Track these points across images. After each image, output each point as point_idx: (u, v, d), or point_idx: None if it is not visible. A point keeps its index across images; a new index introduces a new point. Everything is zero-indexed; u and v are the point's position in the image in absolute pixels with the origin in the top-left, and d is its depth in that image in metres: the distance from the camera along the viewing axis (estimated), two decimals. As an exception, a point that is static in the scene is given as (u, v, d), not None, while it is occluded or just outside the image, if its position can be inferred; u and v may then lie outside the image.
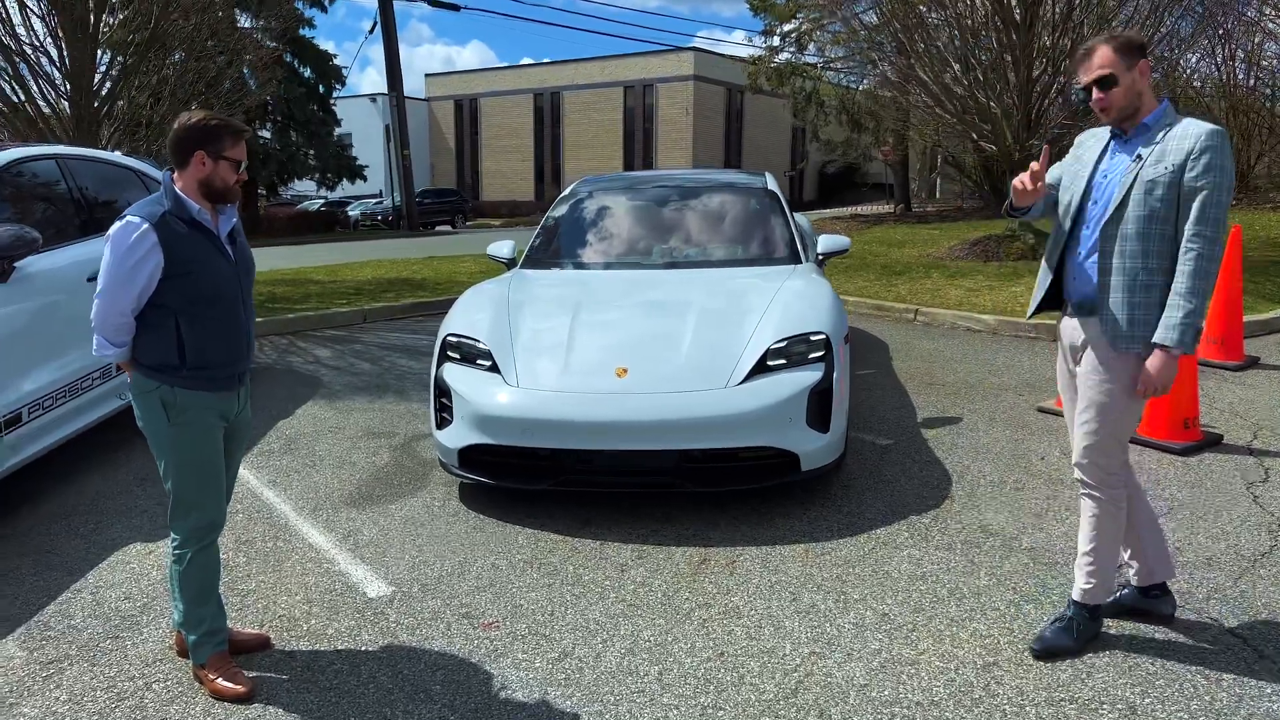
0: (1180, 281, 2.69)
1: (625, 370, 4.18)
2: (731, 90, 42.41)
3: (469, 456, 4.27)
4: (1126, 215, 2.79)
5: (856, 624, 3.26)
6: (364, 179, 30.94)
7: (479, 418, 4.17)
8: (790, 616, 3.32)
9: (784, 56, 22.30)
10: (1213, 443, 4.97)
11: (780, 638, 3.19)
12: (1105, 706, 2.76)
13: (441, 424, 4.40)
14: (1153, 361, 2.78)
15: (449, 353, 4.54)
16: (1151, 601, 3.23)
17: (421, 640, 3.23)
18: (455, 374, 4.40)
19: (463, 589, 3.60)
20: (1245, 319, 6.94)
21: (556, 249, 5.82)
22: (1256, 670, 2.90)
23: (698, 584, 3.58)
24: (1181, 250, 2.72)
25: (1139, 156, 2.80)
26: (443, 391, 4.41)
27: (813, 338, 4.31)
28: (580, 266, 5.58)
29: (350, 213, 35.09)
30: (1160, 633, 3.14)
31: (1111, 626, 3.18)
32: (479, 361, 4.41)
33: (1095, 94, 2.82)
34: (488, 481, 4.24)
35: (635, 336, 4.41)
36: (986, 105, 11.89)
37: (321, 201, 36.54)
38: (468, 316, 4.74)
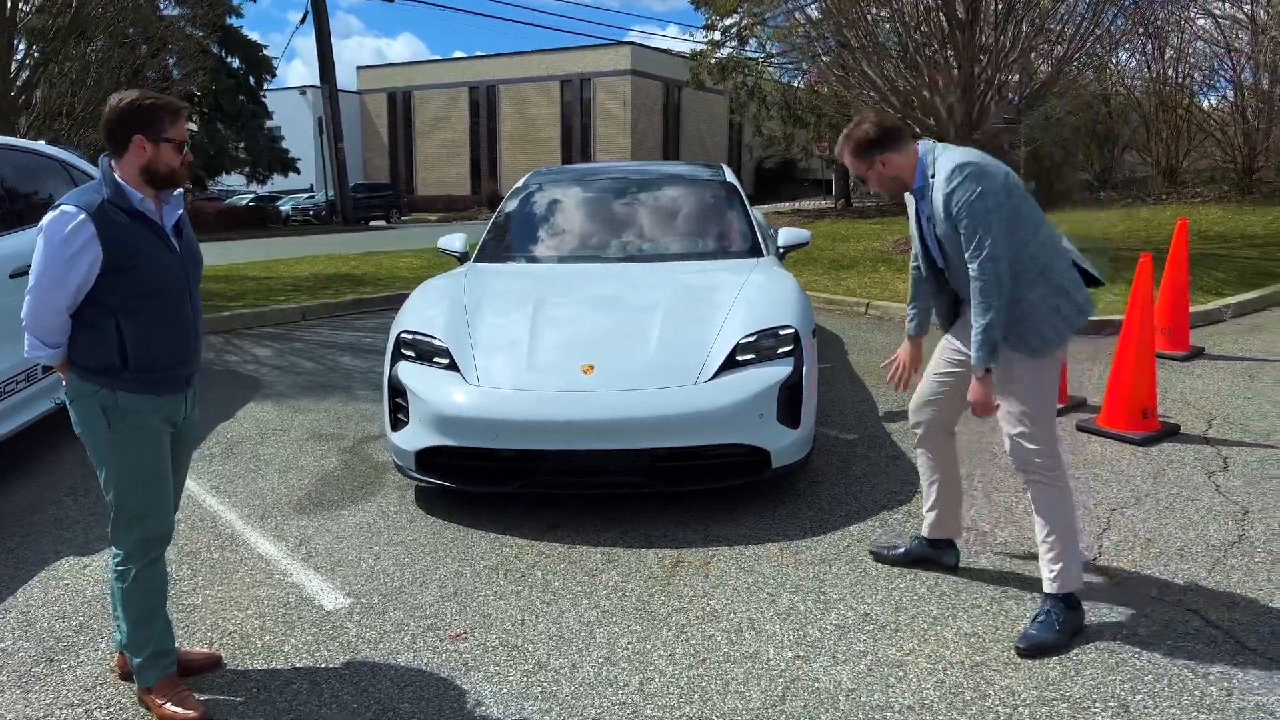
0: (972, 308, 2.92)
1: (591, 367, 4.03)
2: (669, 85, 42.43)
3: (427, 459, 4.09)
4: (951, 262, 3.04)
5: (839, 625, 3.17)
6: (296, 171, 30.12)
7: (438, 418, 3.99)
8: (771, 619, 3.22)
9: (726, 51, 22.30)
10: (1170, 433, 5.01)
11: (762, 642, 3.08)
12: (1098, 704, 2.71)
13: (397, 425, 4.21)
14: (973, 382, 3.02)
15: (403, 351, 4.34)
16: (937, 552, 3.51)
17: (386, 655, 3.05)
18: (411, 373, 4.21)
19: (426, 599, 3.42)
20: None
21: (511, 243, 5.64)
22: (1242, 662, 2.89)
23: (672, 587, 3.46)
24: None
25: (929, 217, 3.04)
26: (398, 391, 4.21)
27: (781, 332, 4.22)
28: (537, 260, 5.41)
29: (281, 208, 34.18)
30: (1144, 626, 3.11)
31: (1093, 618, 3.15)
32: (436, 360, 4.23)
33: (866, 174, 3.11)
34: (448, 485, 4.06)
35: (600, 332, 4.27)
36: (930, 100, 11.99)
37: (251, 197, 35.52)
38: (422, 313, 4.54)
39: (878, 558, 3.62)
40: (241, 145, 28.18)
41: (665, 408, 3.87)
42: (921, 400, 3.43)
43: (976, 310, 2.89)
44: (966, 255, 2.90)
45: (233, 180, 32.71)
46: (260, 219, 30.26)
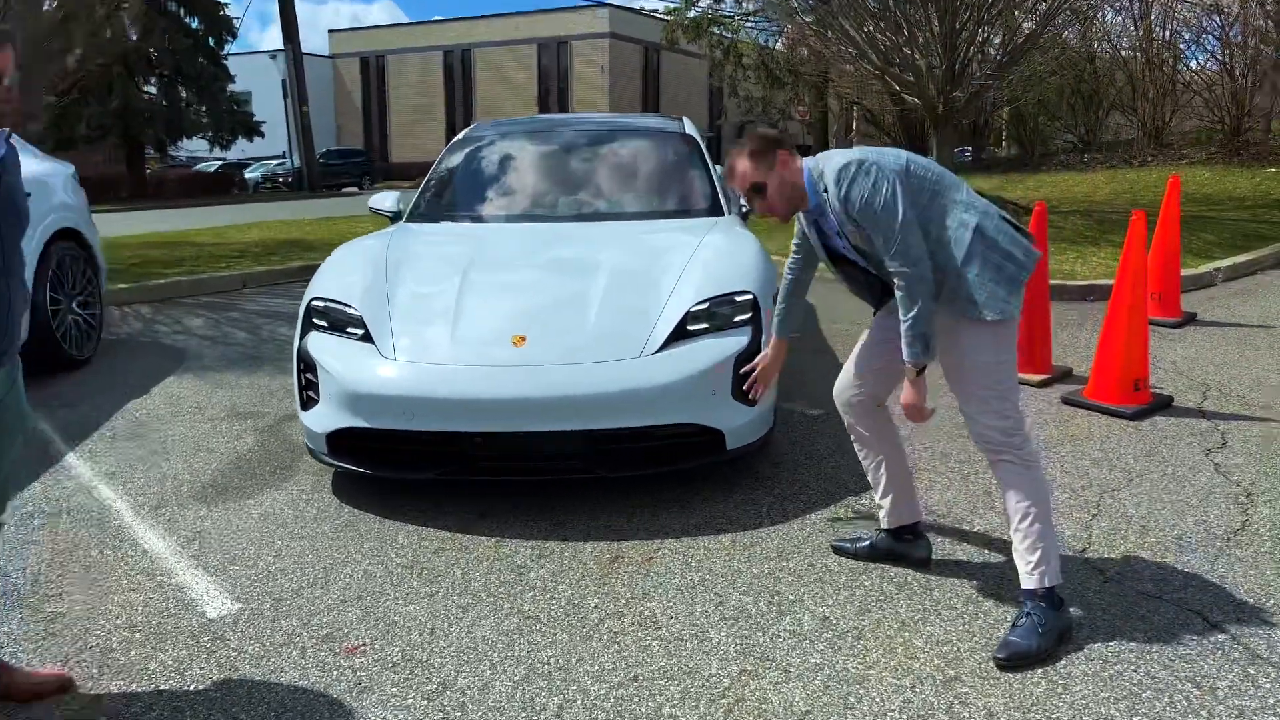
0: (899, 304, 2.66)
1: (523, 339, 3.58)
2: (648, 48, 41.59)
3: (340, 442, 3.64)
4: (879, 264, 2.73)
5: (793, 632, 2.77)
6: (261, 135, 29.18)
7: (349, 396, 3.54)
8: (716, 625, 2.81)
9: (702, 6, 21.62)
10: (1163, 405, 4.63)
11: (705, 653, 2.67)
12: (1089, 729, 2.32)
13: (307, 404, 3.76)
14: (905, 383, 2.74)
15: (315, 320, 3.88)
16: (904, 545, 3.14)
17: (268, 672, 2.62)
18: (322, 345, 3.75)
19: (325, 603, 2.99)
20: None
21: (448, 201, 5.15)
22: (1254, 675, 2.50)
23: (608, 587, 3.05)
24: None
25: (838, 233, 2.78)
26: (307, 366, 3.75)
27: (738, 298, 3.78)
28: (475, 220, 4.93)
29: (250, 175, 33.28)
30: (1140, 631, 2.72)
31: (1082, 620, 2.76)
32: (349, 330, 3.76)
33: (756, 204, 2.81)
34: (362, 471, 3.62)
35: (535, 300, 3.81)
36: (910, 57, 11.50)
37: (219, 163, 34.59)
38: (338, 278, 4.07)
39: (840, 551, 3.22)
40: (204, 109, 27.25)
41: (605, 384, 3.43)
42: (846, 381, 3.07)
43: (903, 306, 2.61)
44: (882, 252, 2.64)
45: (197, 146, 31.74)
46: (225, 186, 29.44)
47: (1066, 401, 4.75)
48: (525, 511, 3.59)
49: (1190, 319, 6.34)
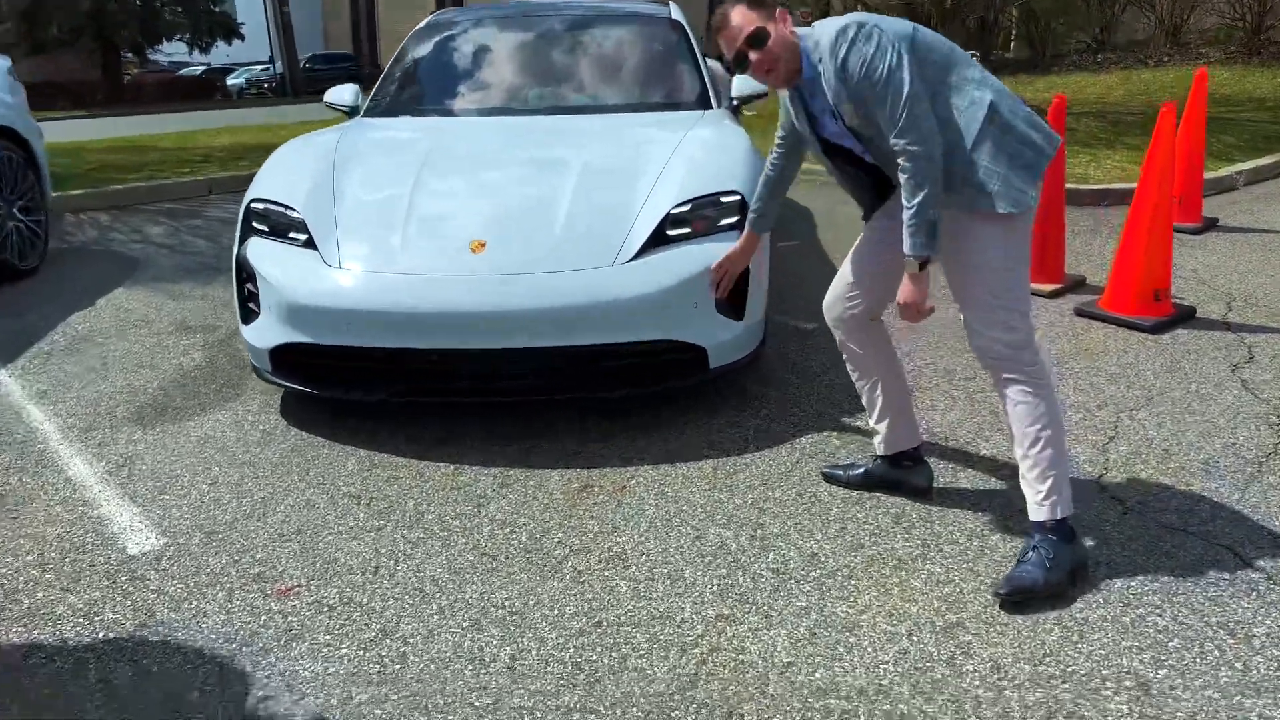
0: (903, 189, 2.29)
1: (483, 244, 3.21)
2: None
3: (284, 358, 3.31)
4: (878, 147, 2.38)
5: (777, 570, 2.48)
6: (240, 37, 28.00)
7: (290, 309, 3.19)
8: (692, 562, 2.52)
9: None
10: (1185, 317, 4.29)
11: (678, 595, 2.39)
12: (1110, 684, 2.04)
13: (248, 317, 3.41)
14: (905, 277, 2.39)
15: (254, 224, 3.50)
16: (902, 472, 2.84)
17: (187, 618, 2.35)
18: (262, 252, 3.38)
19: (260, 538, 2.70)
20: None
21: (410, 93, 4.70)
22: (1294, 622, 2.22)
23: (575, 520, 2.75)
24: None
25: (833, 112, 2.40)
26: (247, 275, 3.39)
27: (724, 199, 3.39)
28: (439, 114, 4.49)
29: (233, 80, 32.15)
30: (1164, 569, 2.43)
31: (1099, 557, 2.47)
32: (292, 235, 3.39)
33: (753, 57, 2.38)
34: (308, 391, 3.29)
35: (497, 202, 3.42)
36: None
37: (203, 68, 33.40)
38: (281, 177, 3.67)
39: (832, 479, 2.92)
40: (180, 9, 26.08)
41: (573, 296, 3.08)
42: (838, 292, 2.72)
43: (907, 190, 2.26)
44: (886, 128, 2.27)
45: (178, 49, 30.57)
46: (208, 91, 28.45)
47: (1080, 313, 4.41)
48: (489, 436, 3.28)
49: (1212, 224, 5.94)
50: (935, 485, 2.86)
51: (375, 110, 4.58)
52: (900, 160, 2.26)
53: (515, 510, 2.81)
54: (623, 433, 3.28)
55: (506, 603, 2.38)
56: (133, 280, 5.41)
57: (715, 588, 2.42)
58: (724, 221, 3.36)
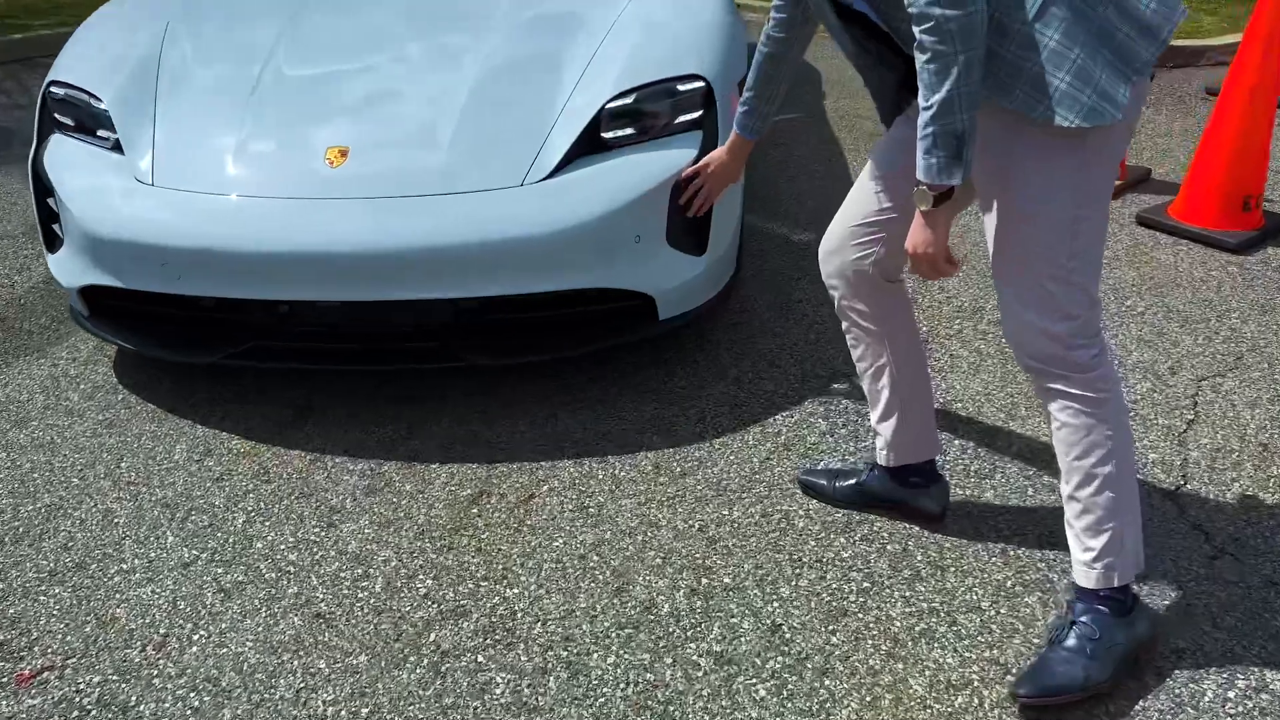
0: (920, 83, 1.45)
1: (344, 153, 2.34)
2: None
3: (99, 300, 2.51)
4: (890, 13, 1.62)
5: (720, 659, 1.75)
6: None
7: (89, 239, 2.36)
8: (603, 642, 1.80)
9: None
10: (1277, 230, 3.40)
11: (574, 701, 1.67)
12: None
13: (53, 243, 2.58)
14: (915, 217, 1.56)
15: (56, 117, 2.62)
16: (909, 491, 2.06)
17: (-121, 729, 1.65)
18: (60, 156, 2.53)
19: (23, 579, 1.97)
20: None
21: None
22: None
23: (455, 556, 2.01)
24: None
25: None
26: (45, 187, 2.54)
27: (681, 87, 2.48)
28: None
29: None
30: (1272, 656, 1.69)
31: (1179, 651, 1.73)
32: (100, 135, 2.52)
33: None
34: (125, 346, 2.50)
35: (369, 93, 2.51)
36: None
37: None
38: (94, 50, 2.75)
39: (812, 491, 2.16)
40: None
41: (464, 229, 2.23)
42: (839, 234, 1.88)
43: (926, 80, 1.43)
44: None
45: None
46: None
47: (1144, 222, 3.51)
48: (365, 408, 2.51)
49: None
50: (952, 499, 2.10)
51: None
52: (917, 32, 1.41)
53: (376, 535, 2.07)
54: (538, 407, 2.50)
55: (330, 711, 1.67)
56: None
57: (632, 692, 1.69)
58: (682, 119, 2.46)
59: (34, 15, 7.33)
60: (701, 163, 2.24)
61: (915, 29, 1.40)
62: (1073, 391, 1.62)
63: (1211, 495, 2.13)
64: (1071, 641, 1.65)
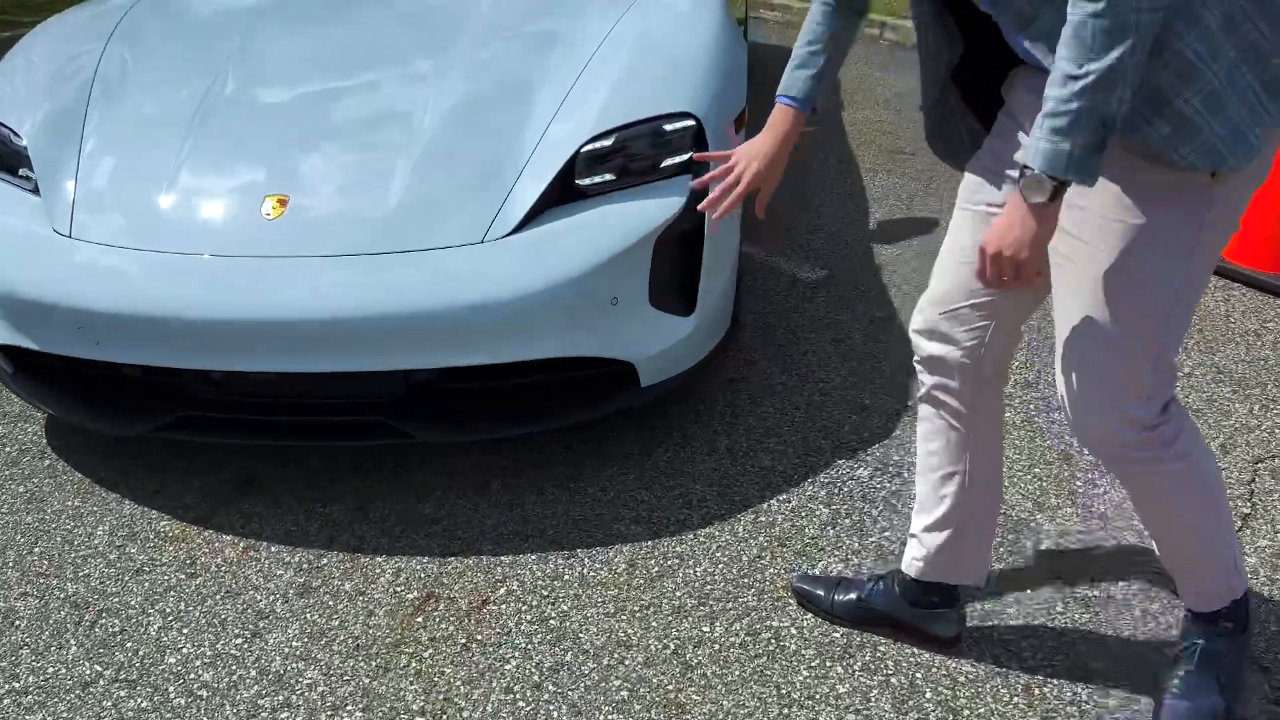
0: (1060, 58, 1.15)
1: (284, 202, 2.07)
2: None
3: (23, 359, 2.26)
4: None
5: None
6: None
7: (1, 296, 2.11)
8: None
9: None
10: (1342, 277, 3.06)
11: None
12: None
13: (-29, 296, 2.34)
14: (1007, 206, 1.24)
15: (-24, 152, 2.37)
16: (923, 614, 1.76)
17: None
18: (-24, 199, 2.28)
19: (-101, 703, 1.74)
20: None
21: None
22: None
23: (390, 682, 1.75)
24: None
25: None
26: (-39, 233, 2.29)
27: (668, 125, 2.19)
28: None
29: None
30: None
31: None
32: (22, 175, 2.27)
33: None
34: (48, 411, 2.25)
35: (316, 132, 2.23)
36: None
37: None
38: (20, 77, 2.49)
39: (807, 602, 1.87)
40: None
41: (419, 294, 1.96)
42: (938, 316, 1.55)
43: (1083, 43, 1.12)
44: None
45: None
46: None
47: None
48: (316, 478, 2.25)
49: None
50: (968, 630, 1.81)
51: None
52: (1072, 7, 1.12)
53: (305, 649, 1.81)
54: (504, 486, 2.23)
55: None
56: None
57: None
58: (668, 162, 2.17)
59: (26, 11, 7.14)
60: (736, 153, 1.64)
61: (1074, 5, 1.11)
62: (1160, 470, 1.41)
63: (1276, 619, 1.82)
64: (1192, 672, 1.56)
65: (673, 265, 2.17)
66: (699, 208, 1.67)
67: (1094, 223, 1.29)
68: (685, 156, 2.17)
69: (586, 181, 2.13)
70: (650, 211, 2.11)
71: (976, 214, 1.48)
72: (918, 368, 1.60)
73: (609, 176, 2.14)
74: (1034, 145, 1.17)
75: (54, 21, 2.73)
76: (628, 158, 2.15)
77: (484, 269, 2.00)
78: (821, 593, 1.85)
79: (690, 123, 2.18)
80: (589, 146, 2.13)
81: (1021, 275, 1.24)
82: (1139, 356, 1.33)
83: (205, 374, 2.09)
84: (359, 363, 2.00)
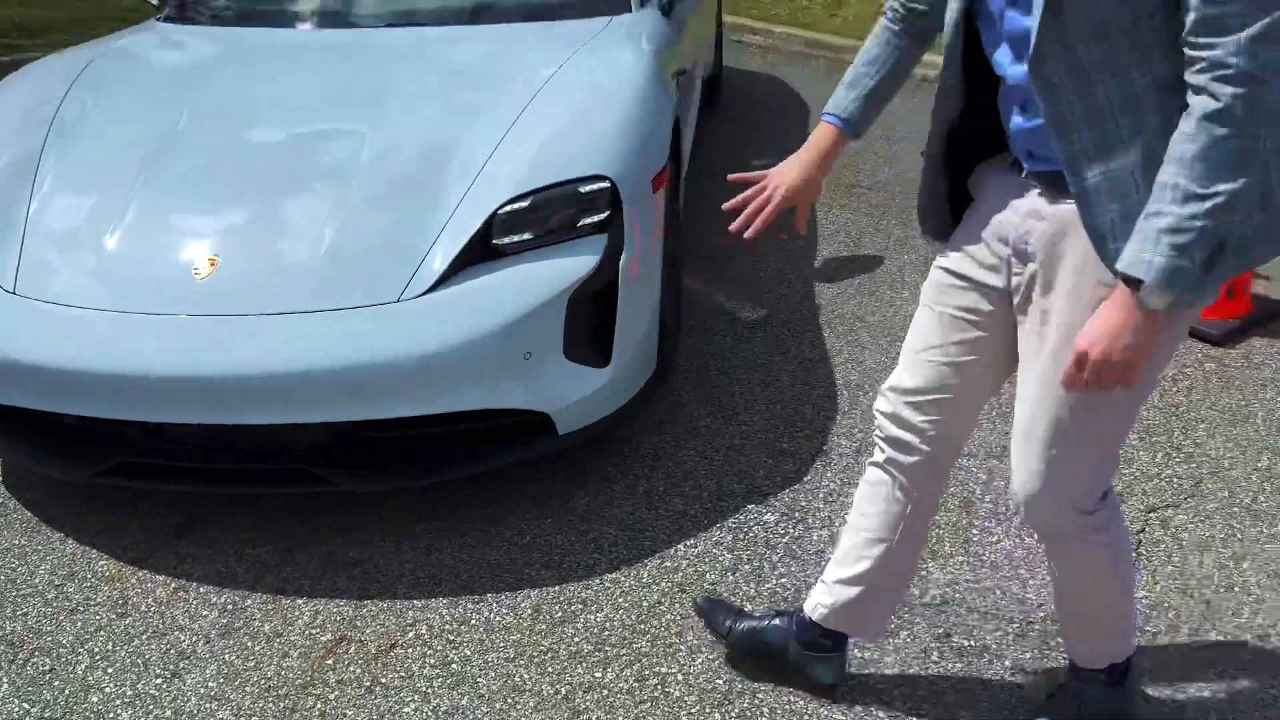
0: (1174, 162, 1.18)
1: (214, 261, 2.19)
2: None
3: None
4: (1079, 15, 1.23)
5: None
6: None
7: (-54, 349, 2.24)
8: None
9: None
10: (1267, 318, 3.14)
11: None
12: None
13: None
14: (1107, 308, 1.26)
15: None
16: (812, 655, 1.83)
17: None
18: (-71, 253, 2.40)
19: None
20: None
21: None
22: None
23: (300, 708, 1.86)
24: (1189, 90, 1.18)
25: None
26: (-83, 283, 2.42)
27: (584, 188, 2.29)
28: (247, 21, 3.26)
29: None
30: None
31: None
32: (-23, 227, 2.40)
33: None
34: (-5, 457, 2.39)
35: (248, 193, 2.35)
36: None
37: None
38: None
39: (707, 620, 1.97)
40: None
41: (336, 352, 2.08)
42: (904, 400, 1.61)
43: (1210, 163, 1.16)
44: (1191, 32, 1.16)
45: None
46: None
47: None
48: (249, 521, 2.37)
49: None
50: (849, 675, 1.90)
51: (182, 13, 3.40)
52: (1221, 90, 1.14)
53: (220, 690, 1.92)
54: (424, 530, 2.34)
55: None
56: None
57: None
58: (584, 222, 2.28)
59: (26, 35, 7.29)
60: (773, 173, 1.63)
61: (1214, 84, 1.14)
62: (1087, 548, 1.53)
63: (1142, 663, 1.91)
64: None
65: (587, 319, 2.28)
66: (731, 229, 1.64)
67: (1056, 334, 1.37)
68: (602, 215, 2.27)
69: (504, 240, 2.23)
70: (564, 269, 2.22)
71: (943, 316, 1.53)
72: (877, 440, 1.68)
73: (526, 236, 2.25)
74: (1146, 258, 1.18)
75: (26, 70, 2.86)
76: (544, 218, 2.26)
77: (396, 328, 2.11)
78: (722, 616, 1.94)
79: (604, 184, 2.29)
80: (507, 208, 2.24)
81: (1125, 379, 1.26)
82: (1100, 450, 1.42)
83: (141, 423, 2.21)
84: (282, 416, 2.11)
